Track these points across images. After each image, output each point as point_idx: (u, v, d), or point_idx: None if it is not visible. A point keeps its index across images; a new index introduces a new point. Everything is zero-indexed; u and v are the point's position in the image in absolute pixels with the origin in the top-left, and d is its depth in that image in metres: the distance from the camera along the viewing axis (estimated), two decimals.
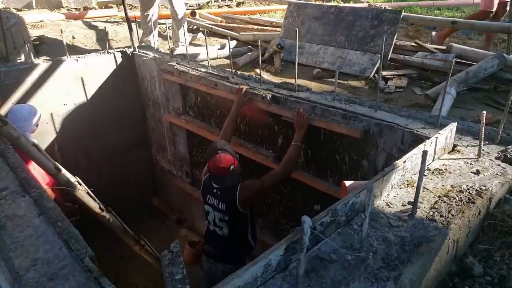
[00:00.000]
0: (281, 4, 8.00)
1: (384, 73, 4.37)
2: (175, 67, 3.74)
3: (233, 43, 6.11)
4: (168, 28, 4.56)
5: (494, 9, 5.12)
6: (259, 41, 3.39)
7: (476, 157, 1.94)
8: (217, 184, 2.44)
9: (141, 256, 3.36)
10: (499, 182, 1.74)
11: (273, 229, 3.55)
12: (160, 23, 6.87)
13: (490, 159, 1.93)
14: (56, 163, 2.48)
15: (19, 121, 2.97)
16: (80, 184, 2.64)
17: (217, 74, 3.45)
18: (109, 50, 4.37)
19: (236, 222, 2.48)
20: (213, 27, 6.74)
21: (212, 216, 2.51)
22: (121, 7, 8.28)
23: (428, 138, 1.97)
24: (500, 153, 1.98)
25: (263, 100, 2.92)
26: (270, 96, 2.89)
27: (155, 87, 4.29)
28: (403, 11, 4.88)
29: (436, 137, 1.85)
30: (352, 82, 4.43)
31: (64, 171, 2.52)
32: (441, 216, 1.50)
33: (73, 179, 2.59)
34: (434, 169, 1.85)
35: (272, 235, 3.49)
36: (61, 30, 4.28)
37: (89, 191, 2.68)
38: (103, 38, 5.78)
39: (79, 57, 4.11)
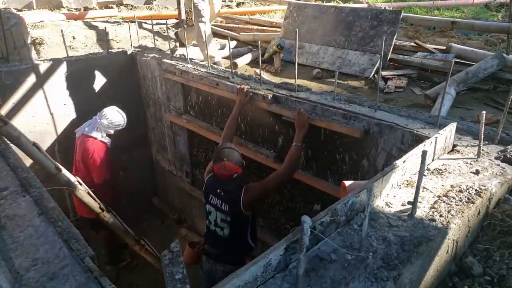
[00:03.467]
0: (281, 5, 8.01)
1: (384, 73, 4.38)
2: (177, 66, 3.75)
3: (233, 43, 6.11)
4: (168, 28, 4.55)
5: None
6: (259, 41, 3.40)
7: (476, 157, 1.94)
8: (220, 186, 2.45)
9: (141, 256, 3.37)
10: (499, 182, 1.74)
11: (273, 229, 3.55)
12: (160, 23, 6.89)
13: (490, 159, 1.93)
14: (57, 163, 2.48)
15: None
16: (81, 184, 2.65)
17: (217, 74, 3.45)
18: (110, 50, 4.38)
19: (238, 223, 2.48)
20: (213, 27, 6.74)
21: (214, 216, 2.51)
22: (122, 7, 8.30)
23: (428, 138, 1.97)
24: (499, 153, 1.98)
25: (264, 99, 2.92)
26: (271, 95, 2.89)
27: (157, 87, 4.30)
28: (403, 11, 4.88)
29: (436, 137, 1.85)
30: (352, 82, 4.43)
31: (64, 171, 2.52)
32: (440, 216, 1.50)
33: (73, 179, 2.59)
34: (434, 169, 1.86)
35: (272, 235, 3.49)
36: (62, 31, 4.29)
37: (89, 191, 2.69)
38: (103, 39, 5.78)
39: (79, 57, 4.11)
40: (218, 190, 2.46)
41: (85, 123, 3.59)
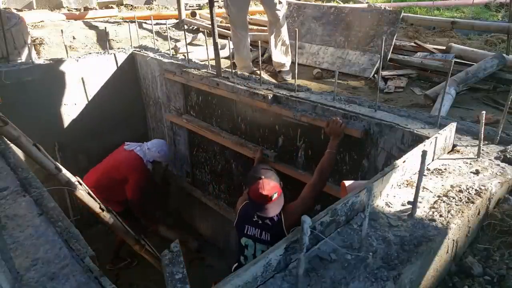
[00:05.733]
0: None
1: (384, 73, 4.38)
2: (177, 66, 3.75)
3: None
4: (168, 28, 4.55)
5: None
6: (259, 41, 3.40)
7: (476, 157, 1.94)
8: (259, 213, 2.18)
9: (141, 256, 3.36)
10: (499, 182, 1.74)
11: None
12: (160, 23, 6.88)
13: (490, 159, 1.93)
14: (57, 163, 2.48)
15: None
16: (81, 184, 2.65)
17: (217, 74, 3.45)
18: (110, 50, 4.38)
19: None
20: None
21: (252, 249, 2.24)
22: (122, 7, 8.30)
23: (428, 138, 1.97)
24: (499, 153, 1.98)
25: (264, 100, 2.93)
26: (271, 95, 2.89)
27: (157, 87, 4.30)
28: (403, 11, 4.89)
29: (436, 137, 1.85)
30: (352, 82, 4.43)
31: (64, 171, 2.52)
32: (440, 216, 1.50)
33: (73, 179, 2.59)
34: (434, 169, 1.86)
35: None
36: (62, 31, 4.29)
37: (89, 191, 2.69)
38: (103, 39, 5.78)
39: (79, 57, 4.12)
40: (255, 218, 2.21)
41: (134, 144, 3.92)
